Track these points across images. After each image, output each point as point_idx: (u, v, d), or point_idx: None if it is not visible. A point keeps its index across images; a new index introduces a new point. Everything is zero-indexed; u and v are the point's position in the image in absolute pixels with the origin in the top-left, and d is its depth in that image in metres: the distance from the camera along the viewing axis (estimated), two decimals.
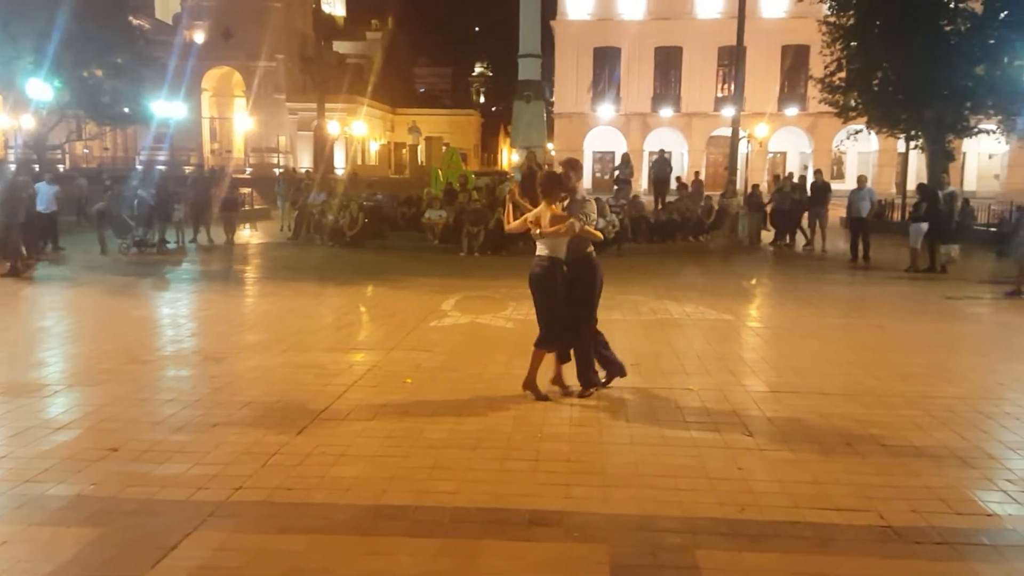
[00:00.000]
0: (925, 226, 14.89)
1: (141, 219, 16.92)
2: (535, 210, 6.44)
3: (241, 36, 51.47)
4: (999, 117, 23.52)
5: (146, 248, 16.77)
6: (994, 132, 24.35)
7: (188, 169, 33.55)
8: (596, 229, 6.54)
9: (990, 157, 45.70)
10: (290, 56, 53.51)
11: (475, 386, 6.76)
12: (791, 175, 22.45)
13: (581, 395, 6.51)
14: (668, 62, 48.80)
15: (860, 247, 16.49)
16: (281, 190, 22.81)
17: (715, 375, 7.25)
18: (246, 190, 24.97)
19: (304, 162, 48.18)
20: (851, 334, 9.28)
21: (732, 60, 27.62)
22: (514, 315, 10.13)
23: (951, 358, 8.11)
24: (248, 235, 21.21)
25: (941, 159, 23.76)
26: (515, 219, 6.69)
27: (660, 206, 21.64)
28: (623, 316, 10.16)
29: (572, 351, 6.58)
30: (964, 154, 41.25)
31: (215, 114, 56.85)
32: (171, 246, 17.70)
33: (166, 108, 31.04)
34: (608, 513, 4.29)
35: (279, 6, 51.88)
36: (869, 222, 16.91)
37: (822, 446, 5.34)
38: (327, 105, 39.45)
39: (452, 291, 11.92)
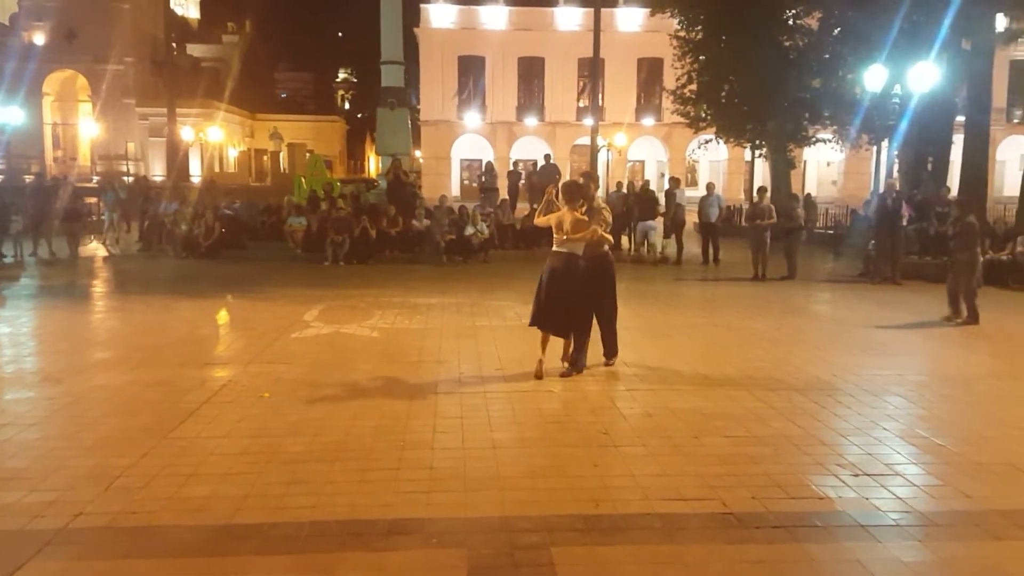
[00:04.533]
0: (652, 223, 17.38)
1: None
2: (558, 213, 7.34)
3: (85, 38, 48.61)
4: (835, 127, 25.35)
5: None
6: (830, 141, 26.23)
7: (28, 178, 31.27)
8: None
9: (828, 164, 49.15)
10: (140, 59, 50.95)
11: (337, 398, 6.65)
12: (647, 182, 23.29)
13: (566, 375, 7.40)
14: (531, 72, 49.68)
15: (711, 251, 17.35)
16: (108, 201, 21.25)
17: (575, 377, 7.43)
18: (92, 200, 23.47)
19: (156, 169, 46.00)
20: (702, 333, 9.74)
21: (592, 71, 28.48)
22: (380, 324, 10.04)
23: (791, 352, 8.67)
24: (94, 248, 19.99)
25: (783, 167, 25.37)
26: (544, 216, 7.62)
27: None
28: (489, 321, 10.27)
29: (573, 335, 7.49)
30: (805, 162, 44.17)
31: (58, 120, 53.43)
32: (8, 260, 16.45)
33: (2, 113, 28.81)
34: (468, 517, 4.33)
35: (126, 7, 49.35)
36: (718, 227, 17.83)
37: (671, 440, 5.60)
38: (181, 110, 37.69)
39: (315, 301, 11.67)
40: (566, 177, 35.94)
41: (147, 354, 8.25)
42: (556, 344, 7.47)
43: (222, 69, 61.04)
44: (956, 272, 10.77)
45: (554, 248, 7.38)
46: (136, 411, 6.22)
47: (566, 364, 7.52)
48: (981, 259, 10.85)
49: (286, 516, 4.30)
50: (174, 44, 52.05)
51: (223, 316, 11.12)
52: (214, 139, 51.37)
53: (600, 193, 28.14)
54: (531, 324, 7.52)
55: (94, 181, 37.82)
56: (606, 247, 7.56)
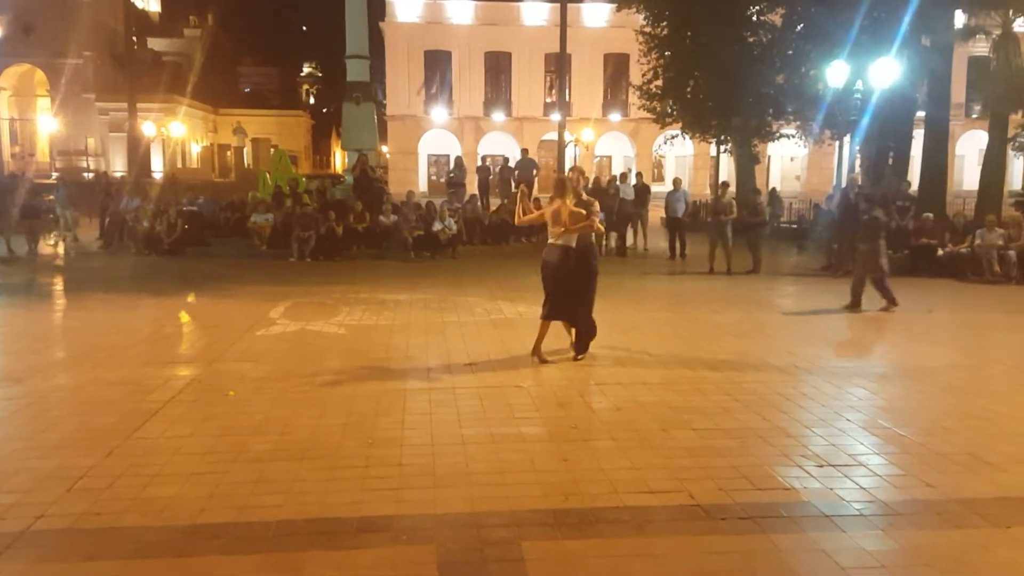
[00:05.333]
0: (601, 215, 17.47)
1: None
2: (552, 207, 7.62)
3: (43, 31, 47.52)
4: (798, 122, 25.66)
5: None
6: (794, 136, 26.53)
7: None
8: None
9: (792, 160, 49.72)
10: (99, 53, 49.96)
11: (304, 395, 6.59)
12: (614, 177, 23.39)
13: (577, 359, 7.81)
14: (498, 67, 49.62)
15: (677, 245, 17.48)
16: (61, 198, 20.66)
17: (544, 371, 7.47)
18: (51, 196, 22.98)
19: (117, 165, 45.21)
20: (670, 326, 9.82)
21: (559, 67, 28.55)
22: (347, 320, 9.97)
23: (756, 345, 8.77)
24: (54, 244, 19.60)
25: (748, 162, 25.62)
26: (524, 215, 8.08)
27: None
28: (458, 317, 10.25)
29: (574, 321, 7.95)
30: (769, 157, 44.66)
31: (15, 115, 52.22)
32: None
33: None
34: (437, 513, 4.32)
35: (85, 0, 48.33)
36: (685, 222, 17.96)
37: (640, 433, 5.63)
38: (142, 105, 36.89)
39: (281, 298, 11.56)
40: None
41: (109, 353, 8.11)
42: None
43: (184, 63, 60.00)
44: (862, 263, 11.16)
45: (550, 241, 7.70)
46: (99, 411, 6.11)
47: (536, 359, 7.76)
48: (884, 251, 11.32)
49: (253, 515, 4.25)
50: (134, 38, 51.06)
51: (186, 314, 10.97)
52: (176, 134, 50.56)
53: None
54: (545, 318, 7.84)
55: (53, 177, 37.04)
56: (592, 238, 7.98)
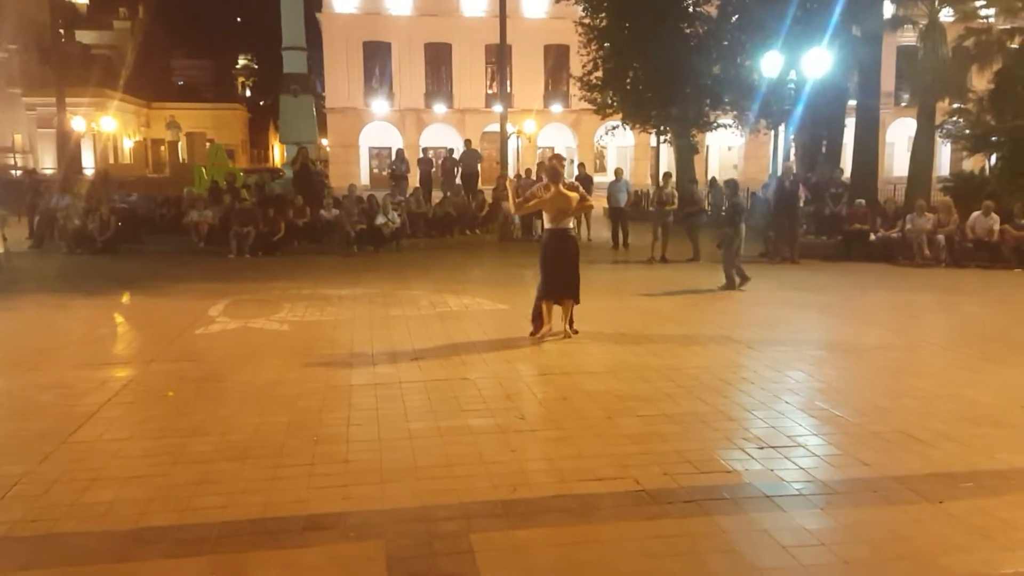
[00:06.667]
0: None
1: None
2: (552, 195, 8.10)
3: None
4: (735, 112, 26.09)
5: None
6: (731, 126, 26.99)
7: None
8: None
9: (729, 149, 50.59)
10: (25, 47, 48.21)
11: (246, 394, 6.48)
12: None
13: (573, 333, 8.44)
14: (439, 58, 49.30)
15: (620, 235, 17.65)
16: None
17: (491, 364, 7.47)
18: None
19: (46, 162, 43.77)
20: (613, 315, 9.91)
21: (499, 58, 28.50)
22: (289, 317, 9.83)
23: (697, 331, 8.93)
24: None
25: (687, 152, 25.96)
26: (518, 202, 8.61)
27: (471, 199, 21.68)
28: (403, 311, 10.19)
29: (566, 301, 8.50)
30: (708, 147, 45.31)
31: None
32: None
33: None
34: (385, 509, 4.29)
35: None
36: (627, 211, 18.14)
37: (586, 422, 5.69)
38: (71, 99, 35.77)
39: (220, 295, 11.33)
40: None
41: (41, 355, 7.86)
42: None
43: (114, 56, 58.31)
44: (726, 245, 11.97)
45: (551, 227, 8.32)
46: (31, 415, 5.92)
47: (564, 332, 8.46)
48: (743, 234, 12.29)
49: (196, 517, 4.17)
50: (61, 30, 49.47)
51: (122, 314, 10.68)
52: (108, 129, 49.19)
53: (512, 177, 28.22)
54: (545, 297, 8.34)
55: None
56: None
